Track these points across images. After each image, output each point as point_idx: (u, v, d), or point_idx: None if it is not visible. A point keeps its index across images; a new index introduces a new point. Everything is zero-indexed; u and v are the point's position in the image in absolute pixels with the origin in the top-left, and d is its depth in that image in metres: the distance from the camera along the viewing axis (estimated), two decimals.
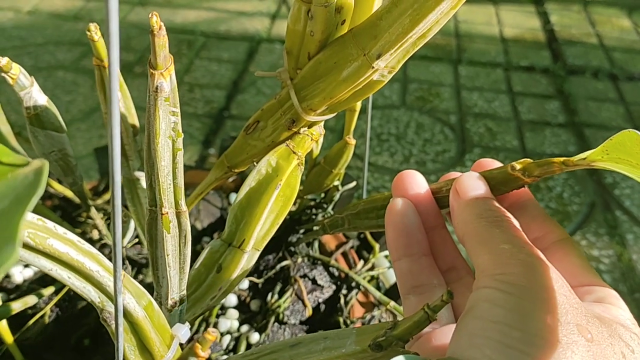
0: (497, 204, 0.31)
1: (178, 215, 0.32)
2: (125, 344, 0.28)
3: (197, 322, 0.53)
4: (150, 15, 0.29)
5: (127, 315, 0.28)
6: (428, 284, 0.34)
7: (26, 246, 0.24)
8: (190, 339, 0.48)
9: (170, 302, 0.33)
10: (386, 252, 0.63)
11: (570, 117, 1.43)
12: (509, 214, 0.31)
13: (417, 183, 0.35)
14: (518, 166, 0.31)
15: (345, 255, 0.62)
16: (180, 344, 0.32)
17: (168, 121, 0.31)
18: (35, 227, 0.24)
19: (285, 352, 0.32)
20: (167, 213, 0.32)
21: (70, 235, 0.25)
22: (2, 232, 0.17)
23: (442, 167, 1.23)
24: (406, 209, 0.34)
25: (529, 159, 0.32)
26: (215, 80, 1.49)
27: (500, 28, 1.86)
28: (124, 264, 0.53)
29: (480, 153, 1.27)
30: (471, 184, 0.32)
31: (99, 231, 0.54)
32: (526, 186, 0.33)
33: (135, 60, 1.55)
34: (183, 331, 0.31)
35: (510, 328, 0.24)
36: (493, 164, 0.34)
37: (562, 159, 0.29)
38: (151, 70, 0.30)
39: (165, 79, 0.30)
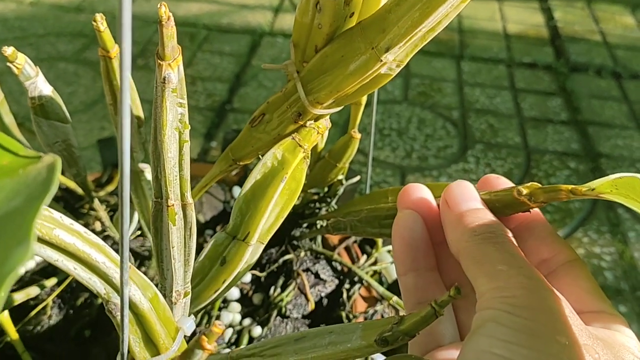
0: (490, 215, 0.30)
1: (184, 207, 0.32)
2: (130, 335, 0.28)
3: (199, 315, 0.53)
4: (159, 6, 0.28)
5: (132, 307, 0.27)
6: (433, 299, 0.33)
7: None
8: (194, 332, 0.48)
9: (174, 294, 0.33)
10: (389, 247, 0.63)
11: (572, 115, 1.42)
12: (503, 227, 0.30)
13: (423, 196, 0.34)
14: (524, 191, 0.30)
15: (348, 249, 0.62)
16: (185, 337, 0.31)
17: (175, 112, 0.30)
18: (42, 217, 0.24)
19: (290, 346, 0.32)
20: (172, 205, 0.31)
21: (77, 227, 0.25)
22: (17, 230, 0.16)
23: (444, 163, 1.22)
24: (414, 222, 0.33)
25: (536, 184, 0.31)
26: (218, 73, 1.49)
27: (503, 24, 1.86)
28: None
29: (482, 149, 1.27)
30: (462, 194, 0.31)
31: (102, 223, 0.54)
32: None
33: (138, 52, 1.54)
34: (188, 324, 0.31)
35: (518, 346, 0.24)
36: (499, 180, 0.33)
37: (570, 186, 0.29)
38: (159, 61, 0.29)
39: (173, 70, 0.30)
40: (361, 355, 0.30)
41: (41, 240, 0.24)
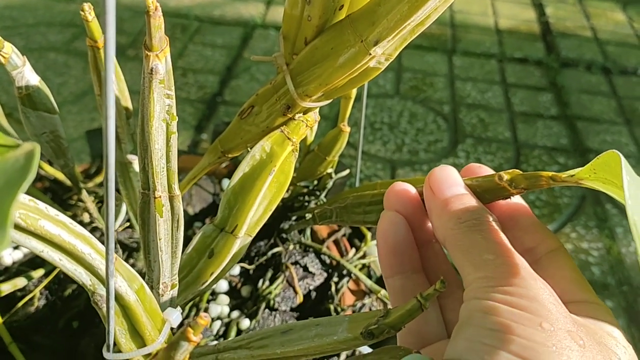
0: (475, 202, 0.30)
1: (171, 199, 0.32)
2: (116, 327, 0.28)
3: (187, 307, 0.53)
4: None
5: (118, 298, 0.27)
6: (419, 292, 0.33)
7: (17, 227, 0.24)
8: (181, 324, 0.48)
9: (161, 286, 0.33)
10: None
11: (562, 110, 1.43)
12: (487, 213, 0.29)
13: (411, 197, 0.33)
14: (506, 177, 0.30)
15: (337, 243, 0.62)
16: (172, 329, 0.31)
17: (162, 104, 0.30)
18: (27, 208, 0.24)
19: (277, 338, 0.32)
20: (160, 197, 0.31)
21: (62, 217, 0.25)
22: None
23: (434, 157, 1.23)
24: (398, 225, 0.33)
25: (517, 170, 0.31)
26: (209, 65, 1.48)
27: (495, 19, 1.86)
28: (115, 247, 0.52)
29: (473, 144, 1.28)
30: (446, 179, 0.31)
31: (90, 214, 0.54)
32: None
33: (128, 43, 1.53)
34: (174, 316, 0.31)
35: (507, 334, 0.24)
36: (481, 169, 0.33)
37: (550, 173, 0.29)
38: (146, 52, 0.29)
39: (161, 61, 0.29)
40: (347, 347, 0.31)
41: (26, 231, 0.24)
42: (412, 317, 0.29)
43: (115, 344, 0.29)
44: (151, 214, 0.32)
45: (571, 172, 0.28)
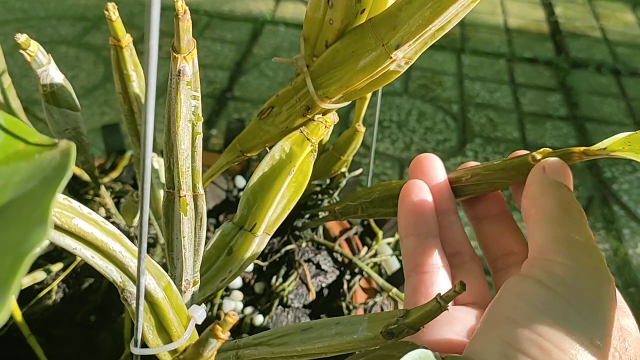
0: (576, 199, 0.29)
1: (195, 198, 0.33)
2: (144, 323, 0.29)
3: (202, 303, 0.53)
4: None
5: (147, 295, 0.28)
6: (431, 264, 0.33)
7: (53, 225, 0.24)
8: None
9: (184, 283, 0.34)
10: (389, 240, 0.63)
11: (571, 111, 1.43)
12: (585, 216, 0.29)
13: (434, 167, 0.35)
14: (538, 156, 0.31)
15: (349, 241, 0.63)
16: (196, 325, 0.32)
17: (189, 105, 0.31)
18: (62, 206, 0.25)
19: (297, 335, 0.33)
20: (184, 196, 0.32)
21: (95, 216, 0.26)
22: (33, 213, 0.17)
23: (442, 156, 1.23)
24: (421, 191, 0.34)
25: (548, 149, 0.32)
26: (219, 60, 1.49)
27: (504, 18, 1.86)
28: (132, 242, 0.53)
29: (481, 143, 1.28)
30: (561, 170, 0.30)
31: (107, 210, 0.55)
32: None
33: (139, 37, 1.54)
34: (199, 312, 0.31)
35: (551, 344, 0.23)
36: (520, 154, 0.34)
37: (582, 148, 0.29)
38: (174, 54, 0.30)
39: (188, 63, 0.30)
40: (367, 346, 0.31)
41: (61, 228, 0.25)
42: (431, 318, 0.29)
43: (142, 338, 0.30)
44: (175, 213, 0.33)
45: (601, 144, 0.28)
